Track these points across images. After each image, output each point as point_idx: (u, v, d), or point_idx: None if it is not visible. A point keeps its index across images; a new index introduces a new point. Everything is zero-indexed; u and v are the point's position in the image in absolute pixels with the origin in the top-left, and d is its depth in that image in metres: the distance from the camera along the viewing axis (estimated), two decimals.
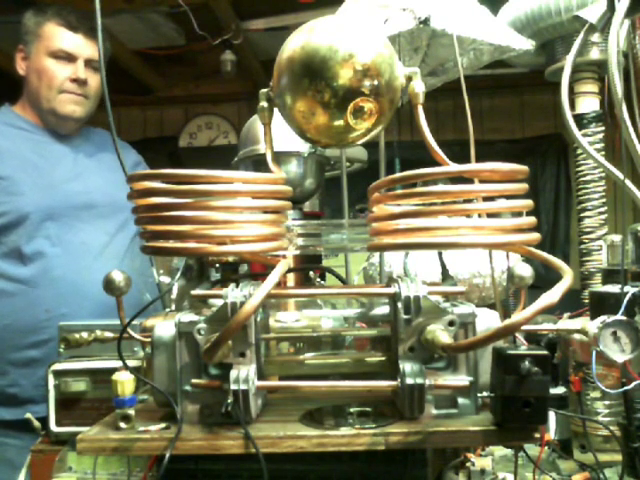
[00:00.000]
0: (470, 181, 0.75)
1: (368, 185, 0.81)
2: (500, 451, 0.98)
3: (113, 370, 0.75)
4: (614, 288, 0.94)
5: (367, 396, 0.83)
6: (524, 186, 0.73)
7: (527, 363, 0.65)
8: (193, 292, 0.81)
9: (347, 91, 0.75)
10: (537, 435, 0.69)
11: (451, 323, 0.73)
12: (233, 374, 0.71)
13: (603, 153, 1.35)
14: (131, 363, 0.79)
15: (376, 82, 0.76)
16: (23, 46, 1.55)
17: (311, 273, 1.05)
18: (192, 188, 0.71)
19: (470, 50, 1.24)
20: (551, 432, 1.07)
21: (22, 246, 1.43)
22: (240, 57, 2.88)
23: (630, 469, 0.86)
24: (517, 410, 0.67)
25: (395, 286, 0.75)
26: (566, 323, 0.91)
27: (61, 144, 1.57)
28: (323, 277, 1.11)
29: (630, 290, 0.87)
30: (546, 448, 0.99)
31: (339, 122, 0.77)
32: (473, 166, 0.77)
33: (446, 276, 0.89)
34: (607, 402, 1.14)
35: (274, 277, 0.71)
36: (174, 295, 1.03)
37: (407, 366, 0.72)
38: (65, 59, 1.52)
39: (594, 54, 1.34)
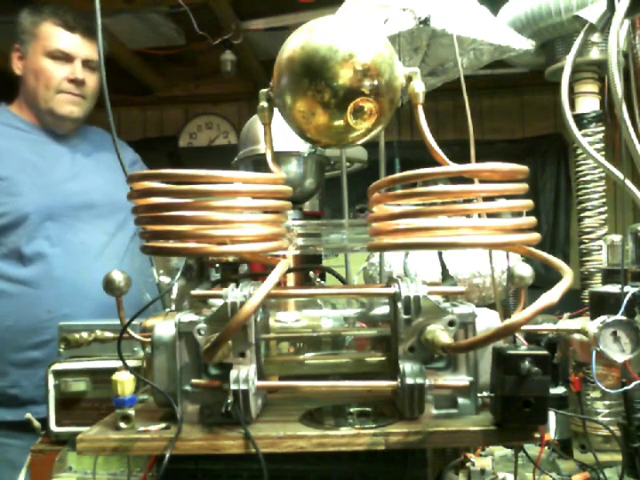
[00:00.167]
0: (470, 181, 0.75)
1: (368, 185, 0.81)
2: (500, 451, 0.98)
3: (113, 370, 0.75)
4: (614, 288, 0.94)
5: (367, 396, 0.83)
6: (524, 186, 0.73)
7: (527, 363, 0.65)
8: (193, 292, 0.81)
9: (347, 91, 0.75)
10: (537, 435, 0.69)
11: (451, 323, 0.73)
12: (233, 374, 0.71)
13: (603, 153, 1.35)
14: (131, 363, 0.79)
15: (376, 82, 0.76)
16: (19, 45, 1.54)
17: (311, 273, 1.05)
18: (192, 188, 0.71)
19: (470, 50, 1.24)
20: (551, 432, 1.07)
21: (22, 247, 1.43)
22: (240, 57, 2.88)
23: (630, 469, 0.86)
24: (517, 410, 0.67)
25: (395, 286, 0.75)
26: (566, 323, 0.91)
27: (58, 144, 1.56)
28: (323, 277, 1.11)
29: (630, 290, 0.87)
30: (546, 448, 0.99)
31: (339, 122, 0.77)
32: (473, 166, 0.77)
33: (446, 276, 0.89)
34: (607, 402, 1.13)
35: (274, 277, 0.71)
36: (174, 295, 1.03)
37: (407, 366, 0.72)
38: (62, 59, 1.51)
39: (594, 54, 1.34)
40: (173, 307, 1.02)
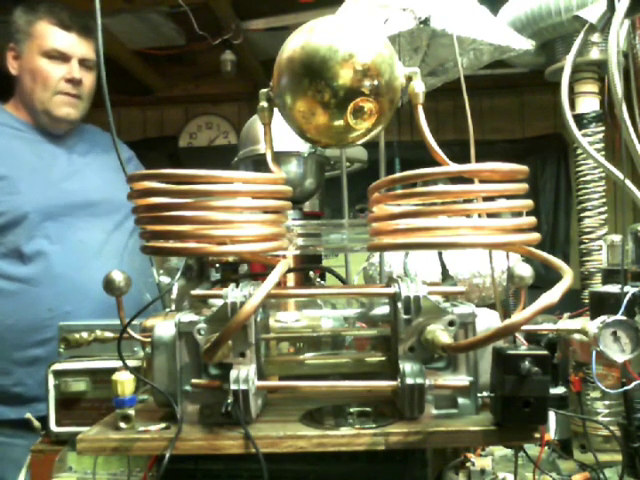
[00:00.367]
0: (470, 181, 0.75)
1: (368, 185, 0.81)
2: (500, 451, 0.98)
3: (113, 370, 0.75)
4: (614, 288, 0.94)
5: (367, 396, 0.83)
6: (524, 186, 0.73)
7: (527, 363, 0.65)
8: (193, 292, 0.81)
9: (347, 91, 0.75)
10: (537, 435, 0.69)
11: (451, 323, 0.73)
12: (233, 374, 0.71)
13: (603, 153, 1.35)
14: (131, 363, 0.79)
15: (376, 82, 0.76)
16: (14, 45, 1.52)
17: (311, 273, 1.05)
18: (192, 188, 0.71)
19: (470, 50, 1.24)
20: (551, 432, 1.07)
21: (22, 246, 1.43)
22: (240, 57, 2.88)
23: (630, 469, 0.86)
24: (517, 410, 0.67)
25: (395, 286, 0.75)
26: (566, 323, 0.91)
27: (55, 143, 1.56)
28: (323, 277, 1.11)
29: (630, 290, 0.87)
30: (546, 448, 0.99)
31: (339, 122, 0.77)
32: (473, 166, 0.77)
33: (446, 276, 0.89)
34: (607, 402, 1.13)
35: (274, 277, 0.71)
36: (174, 295, 1.03)
37: (407, 366, 0.72)
38: (59, 59, 1.50)
39: (594, 54, 1.35)
40: (173, 307, 1.02)
